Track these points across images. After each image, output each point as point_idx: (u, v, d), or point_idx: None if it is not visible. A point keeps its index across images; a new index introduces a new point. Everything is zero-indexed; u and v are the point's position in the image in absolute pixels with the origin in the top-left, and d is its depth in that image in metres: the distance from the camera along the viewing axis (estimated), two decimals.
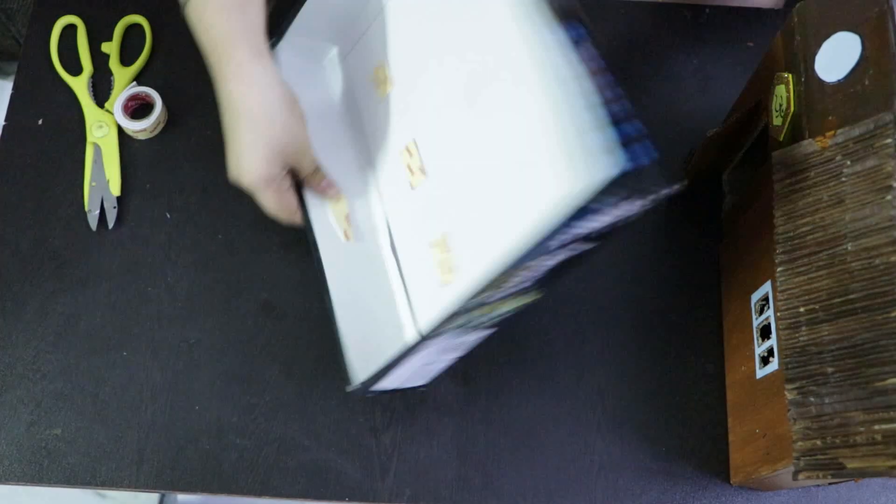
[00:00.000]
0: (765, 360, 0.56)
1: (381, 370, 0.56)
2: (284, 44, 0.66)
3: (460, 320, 0.52)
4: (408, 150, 0.62)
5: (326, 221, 0.64)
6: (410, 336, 0.57)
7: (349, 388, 0.57)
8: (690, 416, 0.62)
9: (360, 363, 0.58)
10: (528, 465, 0.60)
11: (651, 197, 0.43)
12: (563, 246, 0.46)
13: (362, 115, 0.68)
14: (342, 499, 0.59)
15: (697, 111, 0.71)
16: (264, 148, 0.56)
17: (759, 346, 0.57)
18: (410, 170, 0.62)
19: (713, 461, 0.61)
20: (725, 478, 0.61)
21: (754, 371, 0.57)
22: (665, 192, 0.43)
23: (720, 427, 0.62)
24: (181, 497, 1.14)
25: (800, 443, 0.48)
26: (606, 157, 0.42)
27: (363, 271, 0.62)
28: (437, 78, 0.59)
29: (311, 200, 0.63)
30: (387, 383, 0.58)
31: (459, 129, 0.57)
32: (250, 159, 0.57)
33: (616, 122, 0.43)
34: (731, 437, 0.61)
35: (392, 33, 0.65)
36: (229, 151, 0.57)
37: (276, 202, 0.59)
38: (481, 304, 0.51)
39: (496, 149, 0.53)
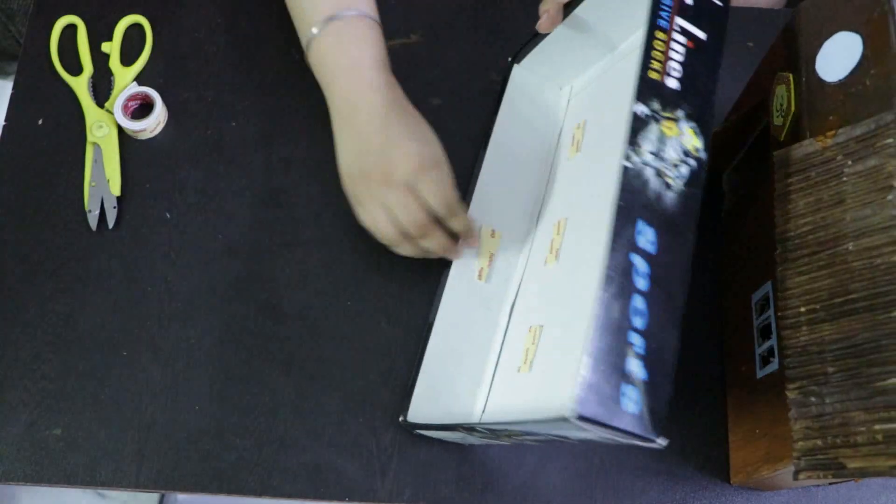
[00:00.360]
0: (765, 360, 0.56)
1: (434, 425, 0.57)
2: (521, 67, 0.69)
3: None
4: (558, 226, 0.61)
5: (470, 250, 0.63)
6: (475, 416, 0.58)
7: (401, 419, 0.59)
8: (690, 416, 0.62)
9: (422, 402, 0.58)
10: (528, 466, 0.60)
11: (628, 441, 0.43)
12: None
13: (553, 166, 0.67)
14: (342, 499, 0.59)
15: None
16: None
17: (759, 346, 0.57)
18: (551, 246, 0.61)
19: (713, 461, 0.61)
20: (725, 478, 0.61)
21: (754, 371, 0.57)
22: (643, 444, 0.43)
23: (720, 427, 0.62)
24: (181, 497, 1.14)
25: (800, 442, 0.48)
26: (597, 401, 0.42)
27: (475, 317, 0.62)
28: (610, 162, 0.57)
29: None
30: (432, 433, 0.58)
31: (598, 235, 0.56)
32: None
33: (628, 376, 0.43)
34: (731, 437, 0.61)
35: (599, 97, 0.65)
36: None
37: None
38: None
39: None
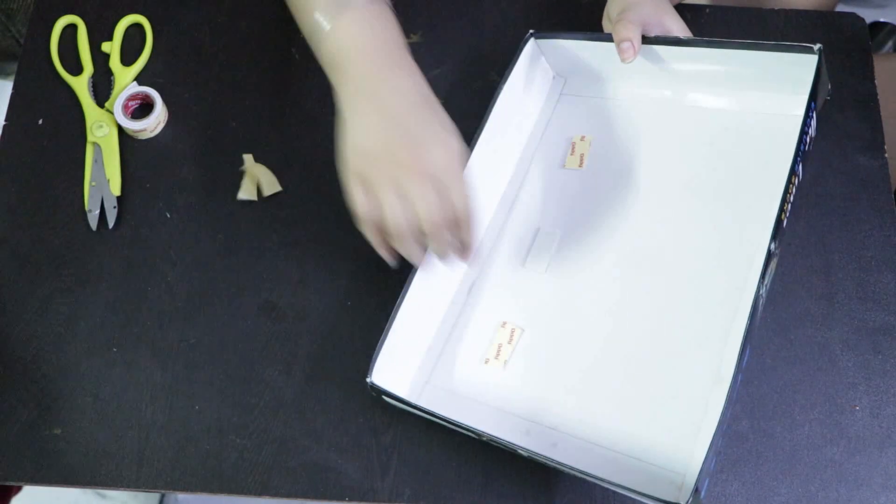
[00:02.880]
0: None
1: (392, 394, 0.57)
2: (534, 42, 0.69)
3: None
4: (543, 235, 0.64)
5: None
6: (417, 385, 0.61)
7: (368, 379, 0.57)
8: None
9: (384, 365, 0.58)
10: (529, 465, 0.60)
11: None
12: None
13: (531, 157, 0.68)
14: (342, 499, 0.59)
15: None
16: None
17: None
18: (529, 251, 0.64)
19: None
20: None
21: None
22: None
23: None
24: (181, 497, 1.14)
25: None
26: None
27: (436, 286, 0.63)
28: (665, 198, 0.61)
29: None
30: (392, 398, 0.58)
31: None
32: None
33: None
34: None
35: (639, 129, 0.66)
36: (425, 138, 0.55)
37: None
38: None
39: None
